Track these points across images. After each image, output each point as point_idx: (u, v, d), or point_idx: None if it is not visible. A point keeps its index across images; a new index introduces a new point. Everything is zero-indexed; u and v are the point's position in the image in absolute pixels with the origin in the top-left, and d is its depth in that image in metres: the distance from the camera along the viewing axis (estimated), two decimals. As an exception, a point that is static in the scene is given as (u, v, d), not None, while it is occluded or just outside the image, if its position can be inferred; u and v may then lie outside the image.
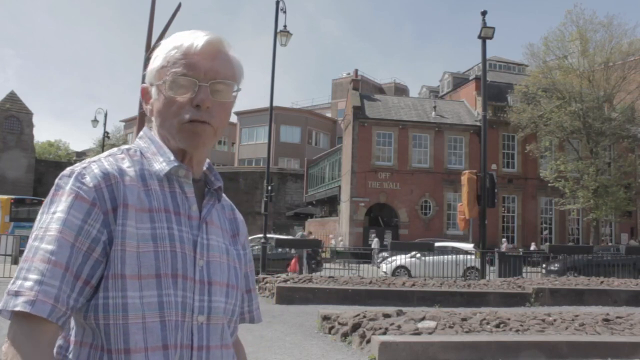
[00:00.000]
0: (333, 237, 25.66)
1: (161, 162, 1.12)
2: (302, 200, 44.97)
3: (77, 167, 1.07)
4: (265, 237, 17.63)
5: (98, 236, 1.01)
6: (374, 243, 28.06)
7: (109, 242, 1.02)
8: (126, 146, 1.16)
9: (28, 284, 0.95)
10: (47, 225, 1.00)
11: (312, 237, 20.16)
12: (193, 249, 1.10)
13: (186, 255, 1.08)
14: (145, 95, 1.18)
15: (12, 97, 48.89)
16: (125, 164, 1.10)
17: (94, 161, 1.08)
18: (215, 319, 1.11)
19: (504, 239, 29.54)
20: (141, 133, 1.20)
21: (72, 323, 1.07)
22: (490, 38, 15.89)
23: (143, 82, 1.19)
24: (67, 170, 1.07)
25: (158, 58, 1.14)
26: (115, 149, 1.15)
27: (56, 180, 1.06)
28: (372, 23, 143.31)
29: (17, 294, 0.95)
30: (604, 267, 16.14)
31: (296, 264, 16.83)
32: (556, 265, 17.53)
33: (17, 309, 0.94)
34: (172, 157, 1.12)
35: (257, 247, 16.91)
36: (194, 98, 1.10)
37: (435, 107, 33.10)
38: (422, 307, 8.94)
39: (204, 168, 1.21)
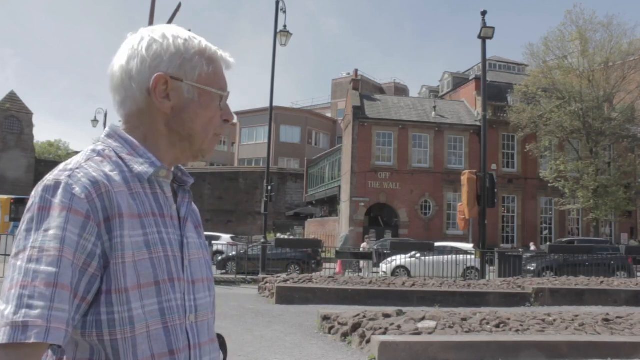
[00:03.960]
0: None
1: (142, 164, 1.07)
2: (302, 200, 44.96)
3: (61, 176, 0.98)
4: (265, 237, 17.66)
5: (94, 250, 0.96)
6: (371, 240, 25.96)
7: (102, 255, 0.97)
8: (99, 147, 1.09)
9: (36, 312, 0.87)
10: (41, 244, 0.92)
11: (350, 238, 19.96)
12: (179, 250, 1.09)
13: (176, 257, 1.07)
14: (160, 85, 1.09)
15: (12, 97, 48.91)
16: (108, 168, 1.04)
17: (77, 168, 1.00)
18: (202, 315, 1.12)
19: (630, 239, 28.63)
20: (109, 131, 1.12)
21: None
22: (490, 38, 15.90)
23: (140, 68, 1.09)
24: (51, 180, 0.98)
25: (198, 59, 1.12)
26: (89, 151, 1.07)
27: (39, 192, 0.97)
28: (372, 22, 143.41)
29: (25, 324, 0.86)
30: (579, 267, 16.17)
31: (342, 267, 16.81)
32: (533, 265, 17.57)
33: (32, 340, 0.85)
34: (154, 158, 1.08)
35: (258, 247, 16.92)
36: (224, 113, 1.16)
37: (435, 107, 33.09)
38: (422, 307, 8.94)
39: None
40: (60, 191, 0.96)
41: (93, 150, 1.07)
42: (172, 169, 1.16)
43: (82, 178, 0.98)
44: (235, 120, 56.14)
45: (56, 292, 0.89)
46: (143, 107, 1.10)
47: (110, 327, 0.97)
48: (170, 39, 1.11)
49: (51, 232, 0.93)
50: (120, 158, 1.07)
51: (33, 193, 0.99)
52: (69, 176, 0.98)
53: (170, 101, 1.09)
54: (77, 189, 0.96)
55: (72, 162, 1.03)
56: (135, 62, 1.09)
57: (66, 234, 0.93)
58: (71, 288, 0.92)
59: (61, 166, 1.02)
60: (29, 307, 0.87)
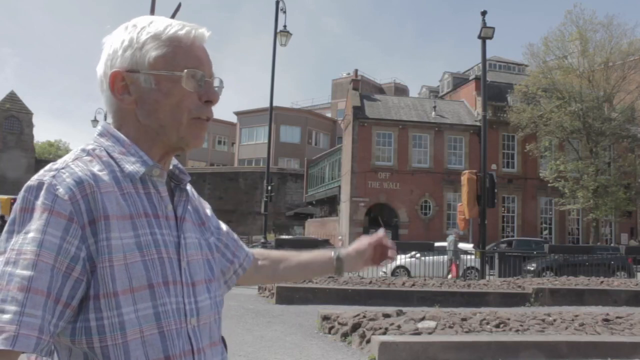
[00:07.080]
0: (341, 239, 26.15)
1: (134, 163, 1.03)
2: (302, 200, 44.97)
3: (45, 176, 0.95)
4: (265, 237, 17.68)
5: (77, 253, 0.92)
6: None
7: (88, 259, 0.93)
8: (89, 146, 1.05)
9: (6, 317, 0.84)
10: (19, 247, 0.88)
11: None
12: (176, 251, 1.05)
13: (172, 259, 1.03)
14: (118, 82, 1.05)
15: (12, 97, 48.93)
16: (96, 168, 0.99)
17: (62, 168, 0.96)
18: (204, 318, 1.08)
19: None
20: (101, 130, 1.08)
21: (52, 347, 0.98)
22: (490, 38, 15.89)
23: (104, 69, 1.06)
24: (34, 181, 0.94)
25: (150, 44, 1.04)
26: (79, 151, 1.03)
27: (22, 194, 0.94)
28: (372, 22, 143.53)
29: None
30: (579, 267, 16.17)
31: (457, 270, 16.77)
32: (533, 265, 17.58)
33: None
34: (146, 157, 1.04)
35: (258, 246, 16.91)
36: (204, 93, 1.06)
37: (435, 107, 33.10)
38: (422, 307, 8.93)
39: None
40: (42, 192, 0.93)
41: (83, 150, 1.03)
42: (169, 167, 1.12)
43: (66, 178, 0.94)
44: (235, 120, 56.22)
45: (29, 296, 0.86)
46: (116, 106, 1.08)
47: (100, 334, 0.93)
48: (127, 31, 1.07)
49: (30, 234, 0.89)
50: (112, 157, 1.03)
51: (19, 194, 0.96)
52: (53, 176, 0.94)
53: (131, 95, 1.05)
54: (60, 190, 0.93)
55: (59, 161, 0.99)
56: (104, 63, 1.08)
57: (45, 236, 0.89)
58: (49, 293, 0.88)
59: (47, 166, 0.98)
60: (1, 311, 0.84)
